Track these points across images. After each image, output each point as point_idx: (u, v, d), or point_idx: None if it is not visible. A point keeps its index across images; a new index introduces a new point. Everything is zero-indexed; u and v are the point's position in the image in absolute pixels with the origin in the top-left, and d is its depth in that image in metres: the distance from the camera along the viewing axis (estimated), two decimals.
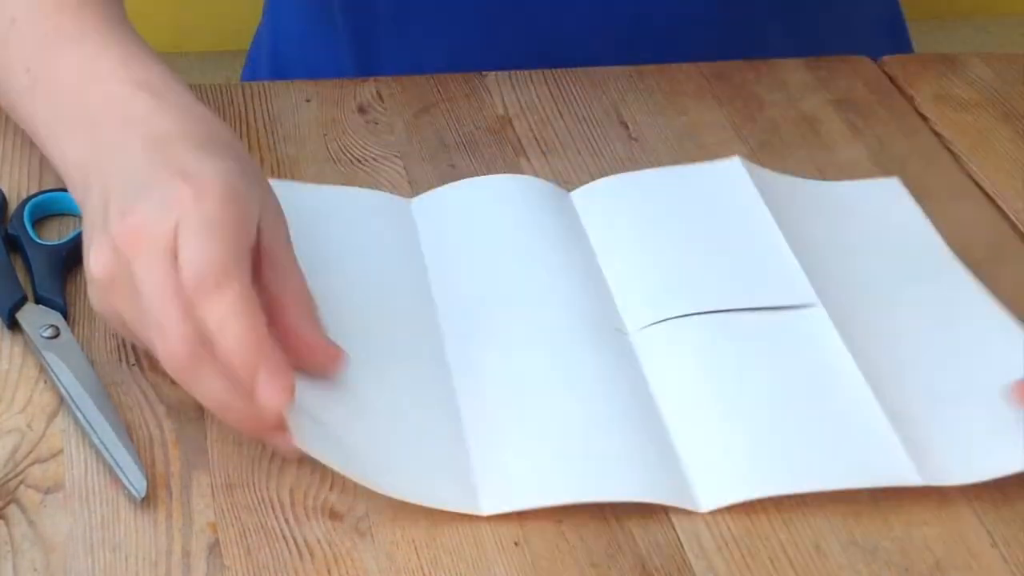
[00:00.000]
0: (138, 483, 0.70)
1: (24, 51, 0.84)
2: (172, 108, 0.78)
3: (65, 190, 0.87)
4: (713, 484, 0.72)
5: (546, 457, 0.73)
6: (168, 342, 0.69)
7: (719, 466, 0.73)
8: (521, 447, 0.73)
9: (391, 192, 0.89)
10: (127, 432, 0.73)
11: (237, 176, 0.73)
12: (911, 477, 0.72)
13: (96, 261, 0.72)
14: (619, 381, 0.77)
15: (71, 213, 0.86)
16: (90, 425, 0.73)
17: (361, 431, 0.72)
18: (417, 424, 0.74)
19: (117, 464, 0.71)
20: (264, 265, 0.73)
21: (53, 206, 0.87)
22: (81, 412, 0.73)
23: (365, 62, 1.08)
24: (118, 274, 0.71)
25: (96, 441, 0.72)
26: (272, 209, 0.75)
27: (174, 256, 0.69)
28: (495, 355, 0.78)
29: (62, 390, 0.75)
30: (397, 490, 0.70)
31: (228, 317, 0.68)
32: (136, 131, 0.76)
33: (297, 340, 0.72)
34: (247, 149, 0.82)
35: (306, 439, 0.69)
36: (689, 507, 0.71)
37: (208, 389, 0.70)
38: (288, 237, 0.75)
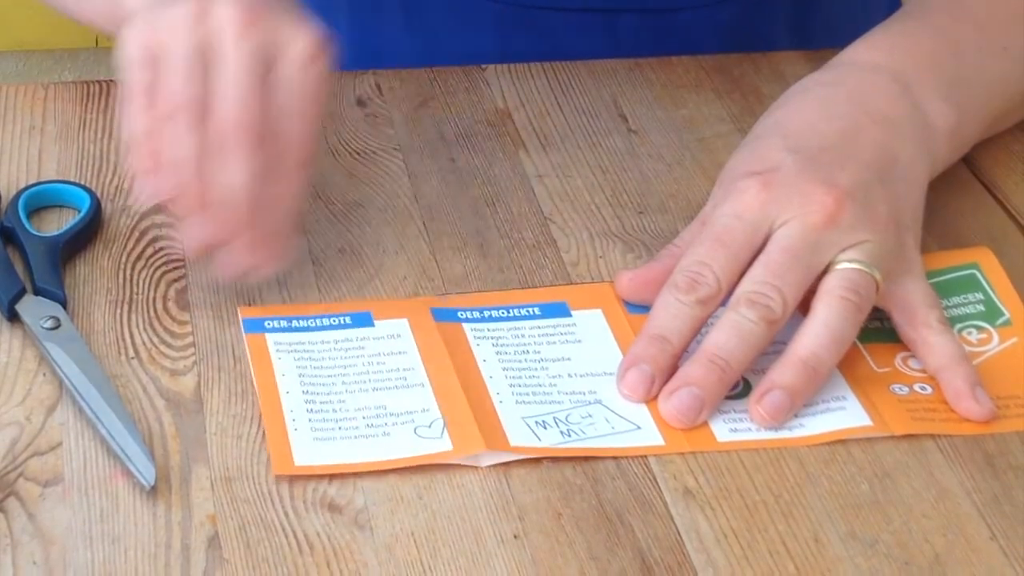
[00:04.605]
0: (147, 471, 0.70)
1: None
2: None
3: (61, 181, 0.87)
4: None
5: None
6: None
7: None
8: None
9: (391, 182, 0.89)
10: (132, 421, 0.73)
11: None
12: None
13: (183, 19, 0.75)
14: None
15: (67, 205, 0.86)
16: (95, 415, 0.73)
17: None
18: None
19: (124, 453, 0.71)
20: None
21: (48, 198, 0.86)
22: (85, 402, 0.73)
23: (366, 54, 1.08)
24: (202, 31, 0.75)
25: (102, 431, 0.72)
26: None
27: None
28: None
29: (65, 380, 0.74)
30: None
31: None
32: None
33: None
34: None
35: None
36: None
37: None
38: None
